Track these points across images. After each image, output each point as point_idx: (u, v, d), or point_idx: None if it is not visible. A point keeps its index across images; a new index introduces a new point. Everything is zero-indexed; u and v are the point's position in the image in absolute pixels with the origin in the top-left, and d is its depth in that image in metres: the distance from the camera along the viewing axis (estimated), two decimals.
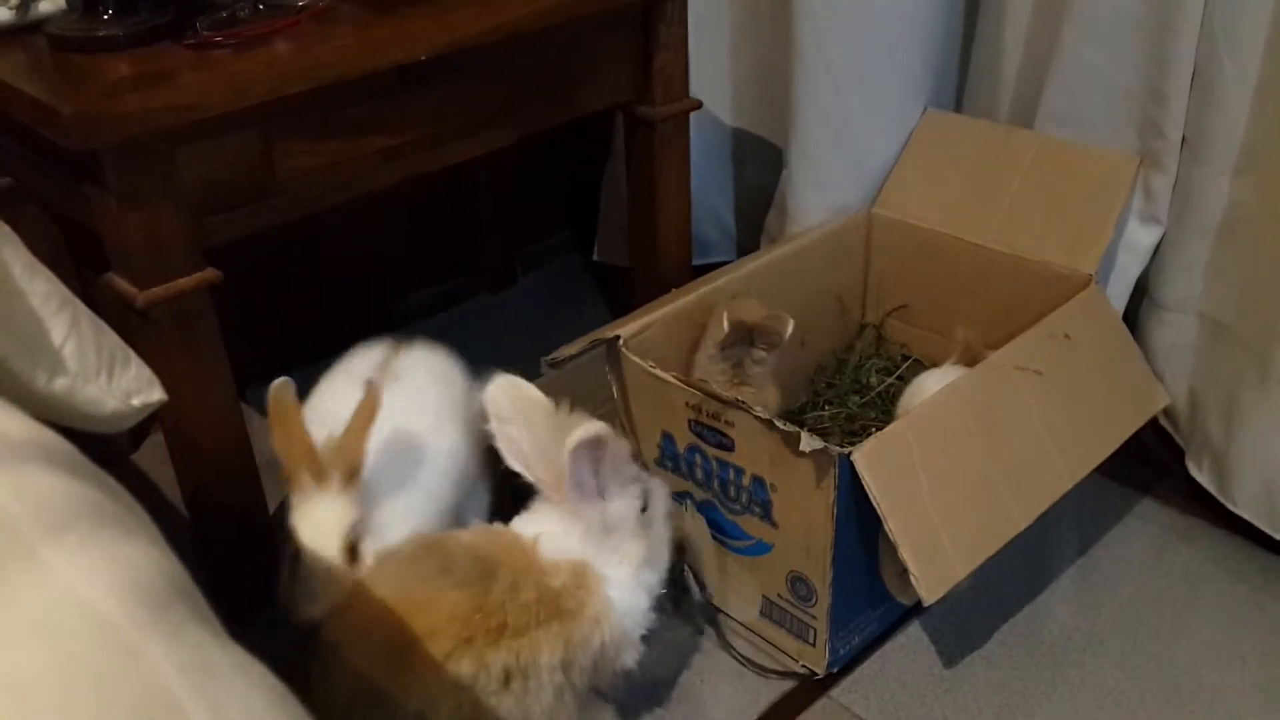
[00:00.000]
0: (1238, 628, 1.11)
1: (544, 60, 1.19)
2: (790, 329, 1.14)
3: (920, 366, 1.37)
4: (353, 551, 0.91)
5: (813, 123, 1.38)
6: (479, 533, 0.93)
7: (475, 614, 0.83)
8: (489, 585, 0.84)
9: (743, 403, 1.00)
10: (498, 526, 0.94)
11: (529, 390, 0.91)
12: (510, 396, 0.91)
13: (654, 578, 0.94)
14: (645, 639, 0.94)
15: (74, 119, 0.87)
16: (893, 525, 0.94)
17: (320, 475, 0.90)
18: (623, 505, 0.90)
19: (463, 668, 0.82)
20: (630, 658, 0.92)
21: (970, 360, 1.18)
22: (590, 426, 0.84)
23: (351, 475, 0.91)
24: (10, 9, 1.05)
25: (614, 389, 1.13)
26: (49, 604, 0.46)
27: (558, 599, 0.86)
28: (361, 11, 1.09)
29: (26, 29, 1.05)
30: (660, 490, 0.96)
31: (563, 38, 1.18)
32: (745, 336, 1.15)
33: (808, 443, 0.94)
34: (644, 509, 0.92)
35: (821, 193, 1.41)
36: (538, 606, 0.85)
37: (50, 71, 0.99)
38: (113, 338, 0.83)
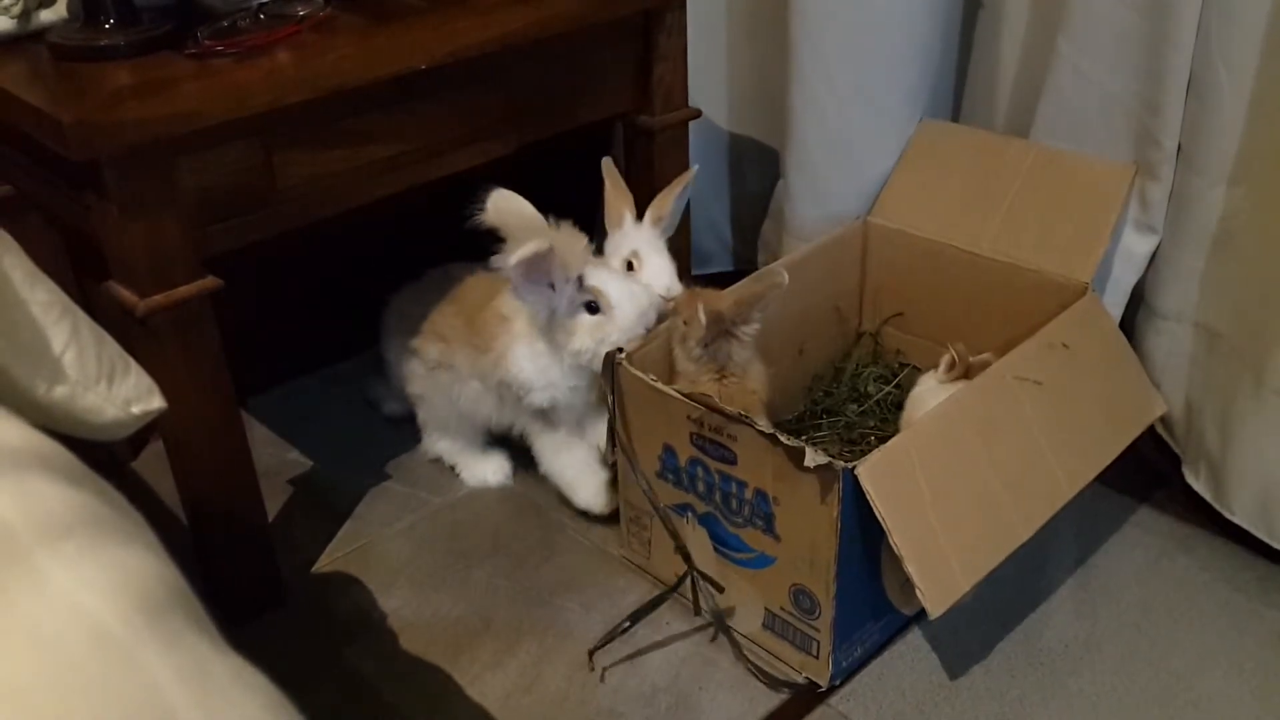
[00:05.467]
0: (1235, 636, 1.11)
1: (544, 70, 1.19)
2: (784, 280, 1.12)
3: (917, 374, 1.37)
4: None
5: (810, 132, 1.39)
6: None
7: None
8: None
9: (746, 416, 1.00)
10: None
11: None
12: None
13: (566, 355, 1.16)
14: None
15: (75, 128, 0.88)
16: (897, 539, 0.94)
17: None
18: (561, 300, 1.14)
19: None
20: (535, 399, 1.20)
21: (961, 376, 1.17)
22: (531, 245, 1.08)
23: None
24: (12, 18, 1.05)
25: (611, 400, 1.12)
26: (47, 612, 0.46)
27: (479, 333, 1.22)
28: (362, 21, 1.10)
29: (28, 38, 1.06)
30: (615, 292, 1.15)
31: (563, 48, 1.19)
32: (722, 326, 1.12)
33: (812, 458, 0.94)
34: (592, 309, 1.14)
35: (818, 202, 1.41)
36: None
37: (52, 80, 0.99)
38: (113, 346, 0.83)
